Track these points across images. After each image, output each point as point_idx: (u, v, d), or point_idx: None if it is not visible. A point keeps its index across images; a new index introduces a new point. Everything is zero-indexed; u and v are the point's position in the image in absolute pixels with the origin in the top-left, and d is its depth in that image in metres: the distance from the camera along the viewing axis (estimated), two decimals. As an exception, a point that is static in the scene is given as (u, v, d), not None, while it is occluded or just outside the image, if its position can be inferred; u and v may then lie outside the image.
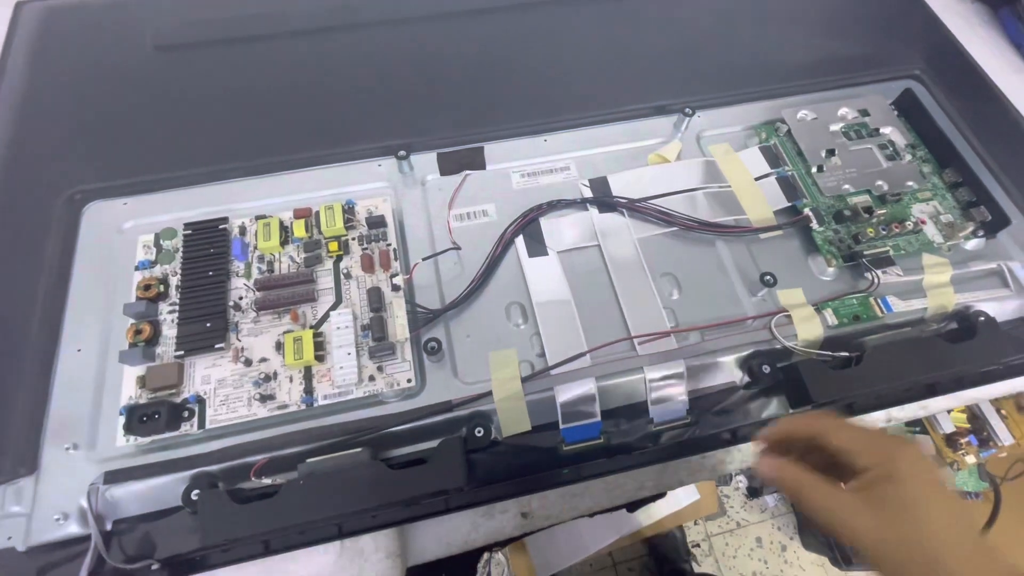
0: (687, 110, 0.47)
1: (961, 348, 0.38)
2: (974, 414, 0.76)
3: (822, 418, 0.25)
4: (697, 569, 0.99)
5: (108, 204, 0.43)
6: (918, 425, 0.79)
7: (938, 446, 0.78)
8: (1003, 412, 0.75)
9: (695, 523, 1.04)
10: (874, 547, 0.20)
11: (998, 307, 0.41)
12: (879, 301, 0.40)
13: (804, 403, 0.37)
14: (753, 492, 1.05)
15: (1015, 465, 0.81)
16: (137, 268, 0.39)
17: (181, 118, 0.49)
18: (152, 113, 0.49)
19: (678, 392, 0.37)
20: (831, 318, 0.39)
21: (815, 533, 0.99)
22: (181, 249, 0.39)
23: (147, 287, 0.37)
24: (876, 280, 0.40)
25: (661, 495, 0.61)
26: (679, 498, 0.95)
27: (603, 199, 0.44)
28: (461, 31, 0.55)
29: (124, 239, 0.41)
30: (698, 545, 1.03)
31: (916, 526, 0.20)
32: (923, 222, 0.43)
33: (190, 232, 0.40)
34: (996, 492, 0.81)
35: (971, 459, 0.75)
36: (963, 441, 0.75)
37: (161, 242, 0.40)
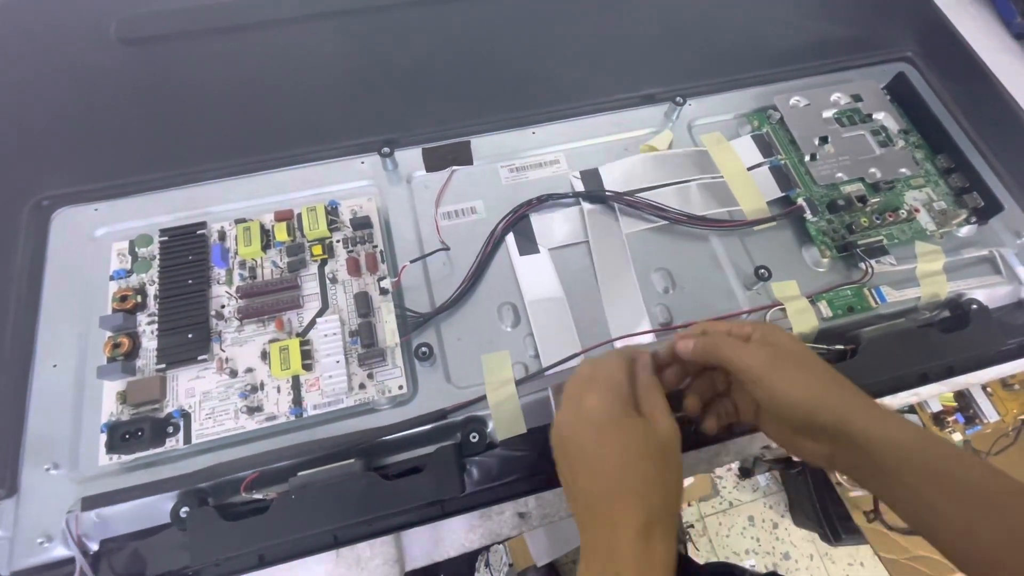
0: (678, 99, 0.46)
1: (954, 338, 0.38)
2: (960, 392, 0.77)
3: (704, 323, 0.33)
4: (692, 549, 1.01)
5: (78, 210, 0.41)
6: (906, 406, 0.80)
7: (925, 424, 0.79)
8: (989, 390, 0.76)
9: (688, 504, 1.06)
10: (766, 358, 0.28)
11: (990, 293, 0.41)
12: (873, 291, 0.40)
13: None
14: (745, 473, 1.06)
15: (999, 440, 0.83)
16: (112, 278, 0.37)
17: (152, 117, 0.46)
18: (121, 112, 0.46)
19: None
20: (825, 310, 0.39)
21: (805, 511, 1.01)
22: (158, 257, 0.38)
23: (123, 298, 0.36)
24: (870, 270, 0.40)
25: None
26: (673, 481, 0.96)
27: (594, 192, 0.43)
28: (444, 20, 0.53)
29: (97, 247, 0.39)
30: (692, 526, 1.04)
31: (784, 345, 0.29)
32: (917, 211, 0.43)
33: (167, 239, 0.38)
34: (981, 467, 0.83)
35: (957, 436, 0.76)
36: (950, 419, 0.76)
37: (136, 250, 0.38)
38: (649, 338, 0.37)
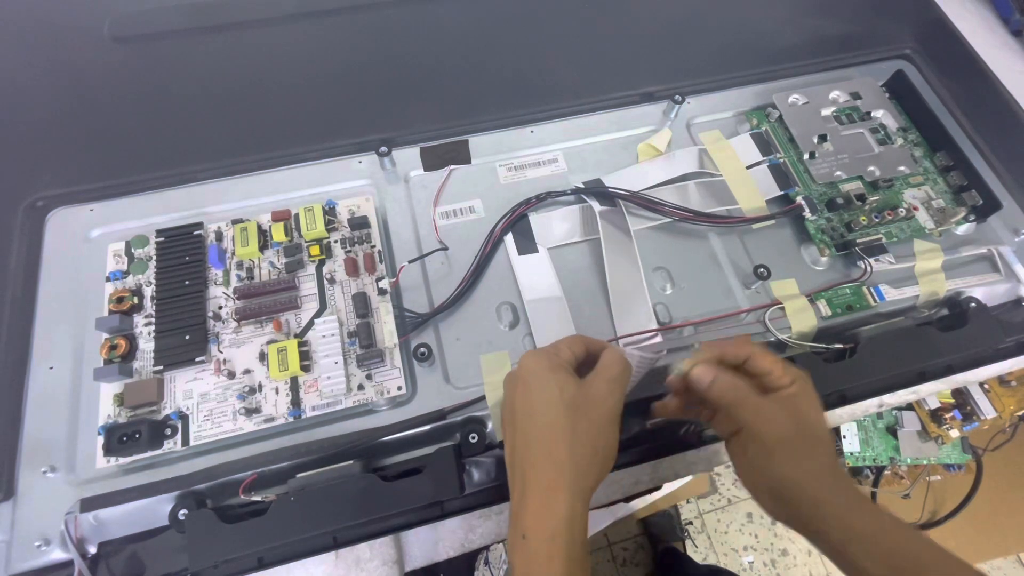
0: (677, 97, 0.46)
1: (953, 336, 0.38)
2: (958, 389, 0.78)
3: (748, 343, 0.31)
4: (691, 547, 1.01)
5: (73, 211, 0.41)
6: (905, 403, 0.81)
7: (923, 421, 0.79)
8: (986, 387, 0.76)
9: (687, 502, 1.06)
10: (782, 434, 0.28)
11: (988, 292, 0.41)
12: (872, 290, 0.40)
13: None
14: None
15: (996, 436, 0.84)
16: (108, 279, 0.37)
17: (147, 116, 0.46)
18: (115, 111, 0.46)
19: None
20: (824, 309, 0.39)
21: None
22: (154, 258, 0.38)
23: (120, 299, 0.36)
24: (868, 268, 0.40)
25: (657, 488, 0.61)
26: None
27: (594, 189, 0.42)
28: (442, 17, 0.53)
29: (92, 248, 0.39)
30: (691, 523, 1.05)
31: (809, 422, 0.28)
32: (915, 208, 0.42)
33: (163, 239, 0.38)
34: (978, 463, 0.83)
35: (955, 433, 0.77)
36: (947, 416, 0.76)
37: (133, 251, 0.38)
38: (654, 336, 0.37)
